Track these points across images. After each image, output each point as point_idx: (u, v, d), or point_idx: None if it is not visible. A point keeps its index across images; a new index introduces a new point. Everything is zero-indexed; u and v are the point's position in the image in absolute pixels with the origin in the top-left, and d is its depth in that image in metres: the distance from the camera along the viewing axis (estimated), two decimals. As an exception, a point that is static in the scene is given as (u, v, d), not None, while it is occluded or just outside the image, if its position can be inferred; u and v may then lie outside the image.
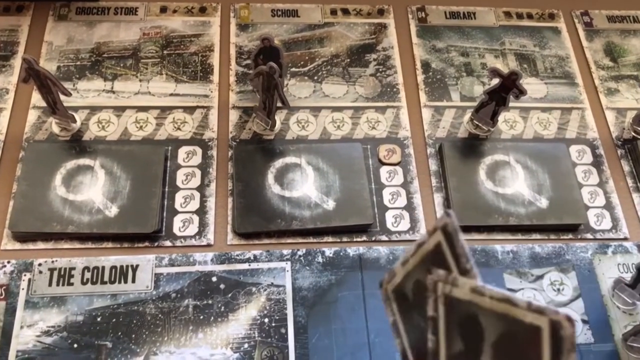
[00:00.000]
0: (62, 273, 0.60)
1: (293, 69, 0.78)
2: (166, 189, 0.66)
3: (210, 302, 0.60)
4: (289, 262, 0.63)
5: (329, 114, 0.74)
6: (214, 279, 0.61)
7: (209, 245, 0.64)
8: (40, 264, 0.60)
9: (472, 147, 0.72)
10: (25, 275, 0.60)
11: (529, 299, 0.32)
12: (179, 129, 0.71)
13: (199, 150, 0.70)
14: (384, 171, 0.70)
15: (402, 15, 0.84)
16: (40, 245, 0.62)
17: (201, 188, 0.67)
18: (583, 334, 0.61)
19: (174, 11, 0.81)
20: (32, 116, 0.71)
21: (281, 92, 0.64)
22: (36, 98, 0.71)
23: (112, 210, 0.63)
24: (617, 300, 0.63)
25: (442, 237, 0.37)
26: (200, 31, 0.80)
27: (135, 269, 0.61)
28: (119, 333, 0.58)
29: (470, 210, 0.67)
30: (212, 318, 0.59)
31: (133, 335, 0.58)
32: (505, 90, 0.67)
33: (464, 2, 0.86)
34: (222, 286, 0.61)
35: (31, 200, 0.63)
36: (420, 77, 0.78)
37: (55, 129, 0.69)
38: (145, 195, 0.64)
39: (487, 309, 0.33)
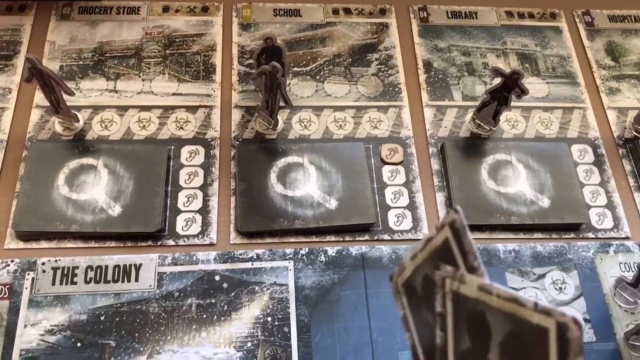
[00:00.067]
0: (66, 272, 0.60)
1: (295, 69, 0.78)
2: (169, 188, 0.67)
3: (213, 301, 0.60)
4: (291, 261, 0.63)
5: (331, 114, 0.74)
6: (217, 278, 0.61)
7: (211, 245, 0.64)
8: (43, 263, 0.61)
9: (474, 147, 0.72)
10: (28, 274, 0.60)
11: (534, 298, 0.32)
12: (181, 128, 0.71)
13: (201, 150, 0.70)
14: (386, 170, 0.70)
15: (404, 14, 0.85)
16: (44, 244, 0.63)
17: (204, 187, 0.67)
18: (585, 333, 0.61)
19: (176, 11, 0.81)
20: (35, 115, 0.71)
21: (284, 91, 0.64)
22: (39, 97, 0.71)
23: (115, 210, 0.63)
24: (618, 299, 0.63)
25: (450, 233, 0.37)
26: (203, 31, 0.80)
27: (138, 268, 0.61)
28: (123, 332, 0.58)
29: (473, 210, 0.67)
30: (215, 317, 0.59)
31: (136, 334, 0.58)
32: (507, 89, 0.67)
33: (465, 1, 0.86)
34: (225, 285, 0.61)
35: (34, 200, 0.63)
36: (422, 77, 0.79)
37: (58, 129, 0.70)
38: (148, 195, 0.64)
39: (495, 308, 0.33)
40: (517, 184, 0.69)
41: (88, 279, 0.60)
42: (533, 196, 0.68)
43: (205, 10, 0.82)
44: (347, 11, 0.84)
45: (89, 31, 0.78)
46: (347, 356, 0.58)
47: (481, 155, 0.71)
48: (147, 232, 0.63)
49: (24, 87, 0.72)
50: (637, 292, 0.63)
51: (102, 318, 0.58)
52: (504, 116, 0.74)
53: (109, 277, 0.60)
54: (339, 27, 0.82)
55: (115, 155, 0.67)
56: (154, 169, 0.66)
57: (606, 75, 0.81)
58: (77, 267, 0.61)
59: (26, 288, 0.59)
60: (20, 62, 0.75)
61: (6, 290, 0.59)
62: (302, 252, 0.63)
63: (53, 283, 0.60)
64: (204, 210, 0.66)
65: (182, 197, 0.66)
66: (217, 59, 0.77)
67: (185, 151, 0.70)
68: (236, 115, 0.73)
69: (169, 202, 0.66)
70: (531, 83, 0.79)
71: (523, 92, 0.66)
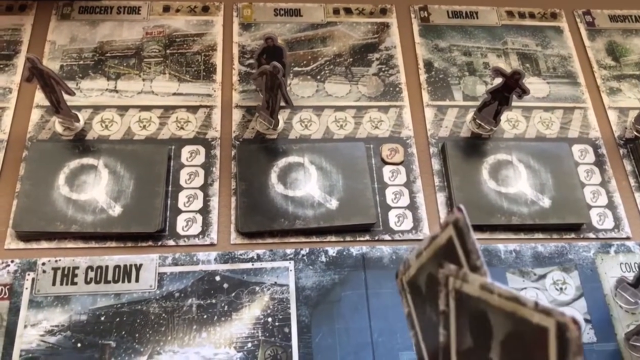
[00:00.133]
0: (66, 272, 0.60)
1: (296, 68, 0.78)
2: (169, 189, 0.67)
3: (213, 301, 0.60)
4: (292, 262, 0.63)
5: (331, 114, 0.74)
6: (218, 278, 0.61)
7: (212, 245, 0.64)
8: (43, 264, 0.60)
9: (474, 147, 0.72)
10: (29, 274, 0.60)
11: (535, 298, 0.32)
12: (182, 128, 0.71)
13: (202, 150, 0.70)
14: (386, 170, 0.70)
15: (405, 14, 0.84)
16: (44, 244, 0.62)
17: (204, 187, 0.67)
18: (585, 334, 0.61)
19: (177, 10, 0.81)
20: (36, 115, 0.71)
21: (284, 91, 0.64)
22: (39, 97, 0.71)
23: (116, 210, 0.63)
24: (619, 300, 0.63)
25: (454, 232, 0.37)
26: (203, 30, 0.80)
27: (138, 268, 0.61)
28: (123, 332, 0.58)
29: (473, 210, 0.67)
30: (216, 317, 0.59)
31: (137, 335, 0.58)
32: (508, 89, 0.67)
33: (466, 1, 0.86)
34: (225, 285, 0.61)
35: (35, 200, 0.63)
36: (423, 77, 0.79)
37: (59, 129, 0.69)
38: (148, 195, 0.64)
39: (496, 307, 0.33)
40: (518, 184, 0.69)
41: (88, 280, 0.60)
42: (534, 196, 0.68)
43: (205, 10, 0.82)
44: (348, 11, 0.84)
45: (89, 31, 0.78)
46: (347, 357, 0.58)
47: (482, 155, 0.71)
48: (147, 233, 0.63)
49: (24, 87, 0.72)
50: (638, 293, 0.62)
51: (103, 318, 0.58)
52: (504, 116, 0.74)
53: (110, 278, 0.60)
54: (340, 27, 0.82)
55: (116, 155, 0.67)
56: (154, 169, 0.66)
57: (607, 75, 0.81)
58: (77, 268, 0.61)
59: (26, 288, 0.59)
60: (20, 61, 0.74)
61: (6, 291, 0.59)
62: (302, 252, 0.63)
63: (53, 283, 0.60)
64: (204, 211, 0.66)
65: (182, 197, 0.66)
66: (218, 59, 0.77)
67: (185, 151, 0.69)
68: (237, 115, 0.73)
69: (169, 202, 0.66)
70: (532, 83, 0.79)
71: (524, 92, 0.66)
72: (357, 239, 0.66)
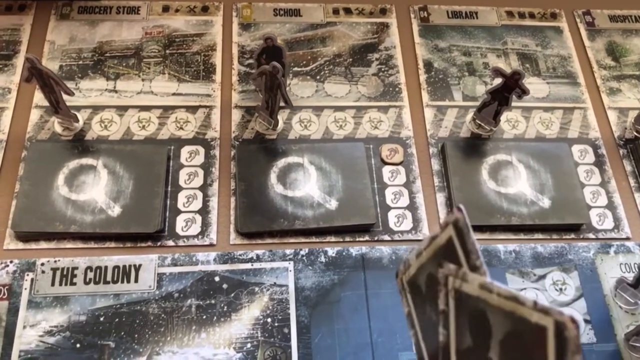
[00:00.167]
0: (65, 273, 0.60)
1: (295, 69, 0.78)
2: (169, 189, 0.66)
3: (213, 302, 0.60)
4: (291, 262, 0.63)
5: (331, 114, 0.74)
6: (217, 278, 0.61)
7: (211, 245, 0.64)
8: (42, 264, 0.60)
9: (474, 147, 0.72)
10: (28, 275, 0.60)
11: (534, 298, 0.32)
12: (181, 128, 0.71)
13: (201, 150, 0.70)
14: (386, 171, 0.70)
15: (405, 14, 0.84)
16: (43, 245, 0.62)
17: (204, 188, 0.67)
18: (585, 334, 0.61)
19: (176, 10, 0.81)
20: (35, 115, 0.71)
21: (284, 91, 0.64)
22: (38, 97, 0.71)
23: (115, 210, 0.63)
24: (619, 300, 0.63)
25: (454, 232, 0.37)
26: (203, 30, 0.80)
27: (138, 268, 0.61)
28: (122, 333, 0.58)
29: (473, 210, 0.67)
30: (215, 318, 0.59)
31: (136, 335, 0.58)
32: (508, 90, 0.67)
33: (466, 1, 0.86)
34: (224, 286, 0.61)
35: (34, 200, 0.63)
36: (423, 77, 0.78)
37: (58, 129, 0.69)
38: (147, 195, 0.64)
39: (495, 306, 0.33)
40: (518, 184, 0.69)
41: (87, 280, 0.60)
42: (533, 196, 0.68)
43: (205, 10, 0.82)
44: (348, 11, 0.84)
45: (88, 31, 0.78)
46: (347, 357, 0.58)
47: (482, 155, 0.71)
48: (146, 233, 0.63)
49: (23, 87, 0.72)
50: (638, 293, 0.62)
51: (102, 319, 0.58)
52: (504, 116, 0.74)
53: (109, 278, 0.60)
54: (340, 27, 0.82)
55: (115, 155, 0.67)
56: (153, 169, 0.66)
57: (607, 76, 0.81)
58: (76, 268, 0.60)
59: (25, 289, 0.59)
60: (19, 61, 0.74)
61: (5, 291, 0.59)
62: (302, 252, 0.63)
63: (52, 284, 0.60)
64: (203, 211, 0.65)
65: (181, 197, 0.66)
66: (217, 59, 0.77)
67: (185, 151, 0.69)
68: (236, 116, 0.73)
69: (168, 202, 0.66)
70: (532, 83, 0.79)
71: (524, 92, 0.66)
72: (357, 239, 0.65)
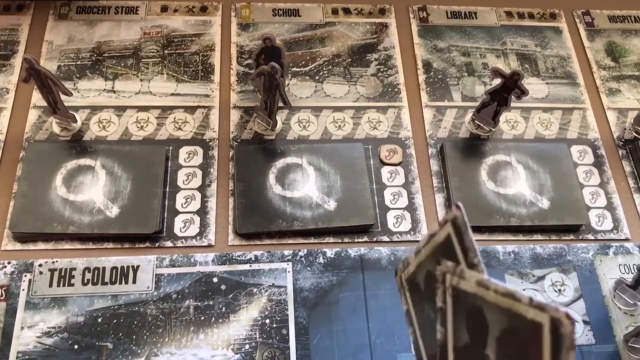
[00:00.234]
0: (63, 274, 0.60)
1: (294, 69, 0.77)
2: (167, 189, 0.66)
3: (211, 303, 0.60)
4: (290, 263, 0.63)
5: (330, 114, 0.74)
6: (215, 279, 0.61)
7: (210, 246, 0.63)
8: (40, 265, 0.60)
9: (473, 148, 0.72)
10: (25, 276, 0.60)
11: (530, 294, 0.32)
12: (180, 129, 0.71)
13: (200, 150, 0.69)
14: (385, 171, 0.70)
15: (404, 14, 0.84)
16: (41, 245, 0.62)
17: (202, 188, 0.67)
18: (584, 335, 0.61)
19: (175, 10, 0.81)
20: (33, 116, 0.70)
21: (282, 92, 0.64)
22: (37, 98, 0.71)
23: (113, 211, 0.63)
24: (618, 301, 0.63)
25: (452, 230, 0.37)
26: (201, 30, 0.79)
27: (136, 269, 0.61)
28: (120, 334, 0.57)
29: (472, 211, 0.67)
30: (213, 319, 0.59)
31: (134, 336, 0.58)
32: (507, 90, 0.67)
33: (465, 1, 0.86)
34: (223, 287, 0.61)
35: (32, 201, 0.63)
36: (422, 77, 0.78)
37: (56, 129, 0.69)
38: (146, 196, 0.64)
39: (492, 303, 0.33)
40: (517, 185, 0.69)
41: (85, 281, 0.60)
42: (532, 197, 0.68)
43: (203, 10, 0.81)
44: (347, 11, 0.84)
45: (87, 31, 0.78)
46: (345, 358, 0.58)
47: (481, 156, 0.71)
48: (144, 234, 0.63)
49: (21, 88, 0.72)
50: (637, 294, 0.62)
51: (100, 320, 0.58)
52: (503, 117, 0.74)
53: (107, 279, 0.60)
54: (338, 27, 0.82)
55: (113, 156, 0.67)
56: (152, 169, 0.66)
57: (606, 76, 0.81)
58: (74, 269, 0.60)
59: (23, 290, 0.59)
60: (17, 62, 0.74)
61: (3, 292, 0.59)
62: (300, 253, 0.63)
63: (50, 285, 0.59)
64: (202, 212, 0.65)
65: (180, 198, 0.66)
66: (216, 59, 0.77)
67: (183, 152, 0.69)
68: (235, 116, 0.73)
69: (167, 203, 0.65)
70: (531, 83, 0.79)
71: (523, 92, 0.66)
72: (355, 240, 0.65)
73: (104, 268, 0.61)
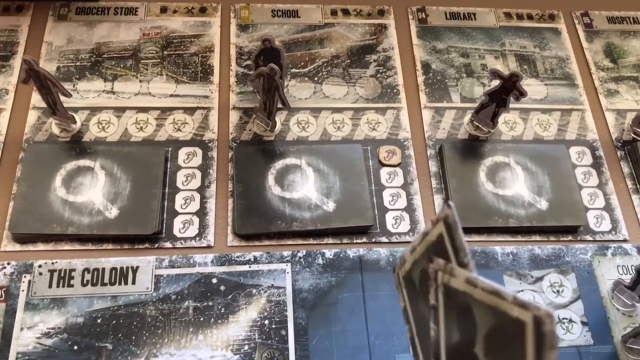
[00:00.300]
0: (62, 274, 0.60)
1: (293, 70, 0.78)
2: (166, 190, 0.66)
3: (210, 303, 0.60)
4: (289, 264, 0.63)
5: (329, 115, 0.74)
6: (214, 280, 0.61)
7: (209, 247, 0.64)
8: (40, 266, 0.60)
9: (472, 149, 0.72)
10: (25, 276, 0.60)
11: (515, 292, 0.32)
12: (179, 130, 0.71)
13: (199, 152, 0.70)
14: (384, 172, 0.70)
15: (403, 16, 0.84)
16: (40, 246, 0.62)
17: (201, 189, 0.67)
18: (582, 336, 0.61)
19: (174, 11, 0.81)
20: (32, 117, 0.71)
21: (282, 93, 0.64)
22: (36, 99, 0.71)
23: (112, 212, 0.63)
24: (616, 302, 0.63)
25: (444, 228, 0.37)
26: (201, 32, 0.80)
27: (135, 270, 0.61)
28: (119, 335, 0.58)
29: (470, 212, 0.67)
30: (213, 320, 0.59)
31: (133, 337, 0.58)
32: (506, 91, 0.67)
33: (464, 3, 0.86)
34: (222, 288, 0.61)
35: (31, 202, 0.63)
36: (421, 78, 0.78)
37: (55, 130, 0.69)
38: (145, 197, 0.64)
39: (480, 301, 0.33)
40: (515, 186, 0.69)
41: (85, 282, 0.60)
42: (531, 198, 0.68)
43: (203, 11, 0.81)
44: (346, 12, 0.84)
45: (86, 32, 0.78)
46: (344, 359, 0.58)
47: (479, 157, 0.71)
48: (144, 235, 0.63)
49: (20, 89, 0.72)
50: (635, 295, 0.63)
51: (99, 321, 0.58)
52: (502, 118, 0.74)
53: (106, 280, 0.60)
54: (337, 28, 0.82)
55: (113, 157, 0.67)
56: (151, 170, 0.66)
57: (605, 77, 0.81)
58: (74, 270, 0.60)
59: (23, 291, 0.59)
60: (17, 63, 0.74)
61: (2, 293, 0.59)
62: (299, 254, 0.63)
63: (50, 286, 0.59)
64: (201, 213, 0.65)
65: (179, 199, 0.66)
66: (215, 60, 0.77)
67: (182, 153, 0.69)
68: (234, 117, 0.73)
69: (166, 204, 0.66)
70: (529, 85, 0.79)
71: (521, 94, 0.66)
72: (354, 241, 0.65)
73: (103, 269, 0.61)
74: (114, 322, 0.58)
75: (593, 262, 0.66)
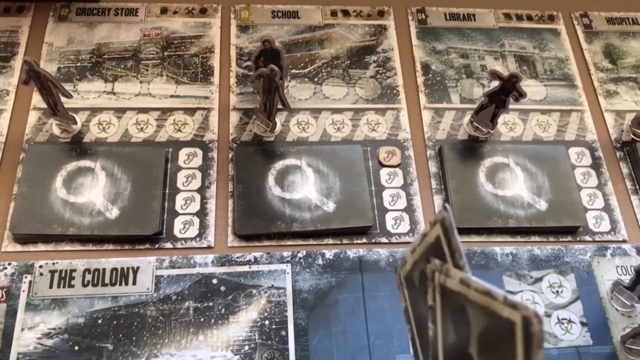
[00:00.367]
0: (63, 275, 0.60)
1: (293, 71, 0.78)
2: (167, 191, 0.67)
3: (210, 304, 0.60)
4: (289, 264, 0.63)
5: (329, 116, 0.74)
6: (215, 281, 0.61)
7: (209, 247, 0.64)
8: (41, 266, 0.60)
9: (471, 149, 0.72)
10: (26, 277, 0.60)
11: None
12: (179, 130, 0.71)
13: (199, 152, 0.70)
14: (384, 173, 0.70)
15: (402, 16, 0.85)
16: (41, 247, 0.62)
17: (202, 190, 0.67)
18: (582, 336, 0.61)
19: (175, 12, 0.81)
20: (33, 118, 0.71)
21: (282, 94, 0.64)
22: (37, 99, 0.71)
23: (113, 212, 0.63)
24: (615, 303, 0.63)
25: (441, 230, 0.38)
26: (201, 32, 0.80)
27: (136, 271, 0.61)
28: (120, 335, 0.58)
29: (470, 213, 0.67)
30: (213, 320, 0.59)
31: (134, 338, 0.58)
32: (505, 92, 0.67)
33: (463, 3, 0.86)
34: (222, 288, 0.61)
35: (32, 202, 0.63)
36: (420, 79, 0.79)
37: (56, 131, 0.69)
38: (145, 197, 0.64)
39: (473, 301, 0.34)
40: (515, 186, 0.69)
41: (85, 282, 0.60)
42: (530, 199, 0.69)
43: (203, 12, 0.82)
44: (346, 13, 0.84)
45: (86, 33, 0.78)
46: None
47: (479, 158, 0.71)
48: (144, 235, 0.63)
49: (21, 89, 0.72)
50: (634, 296, 0.63)
51: (100, 321, 0.58)
52: (501, 119, 0.74)
53: (107, 280, 0.60)
54: (337, 29, 0.82)
55: (113, 157, 0.67)
56: (151, 171, 0.66)
57: (604, 78, 0.82)
58: (74, 270, 0.61)
59: (23, 291, 0.59)
60: (17, 63, 0.74)
61: (3, 294, 0.59)
62: (299, 255, 0.63)
63: (50, 286, 0.60)
64: (201, 213, 0.66)
65: (179, 199, 0.66)
66: (215, 61, 0.77)
67: (183, 153, 0.70)
68: (234, 118, 0.73)
69: (166, 204, 0.66)
70: (529, 86, 0.79)
71: (521, 95, 0.67)
72: (354, 241, 0.66)
73: (104, 269, 0.61)
74: (115, 322, 0.58)
75: (592, 262, 0.66)
